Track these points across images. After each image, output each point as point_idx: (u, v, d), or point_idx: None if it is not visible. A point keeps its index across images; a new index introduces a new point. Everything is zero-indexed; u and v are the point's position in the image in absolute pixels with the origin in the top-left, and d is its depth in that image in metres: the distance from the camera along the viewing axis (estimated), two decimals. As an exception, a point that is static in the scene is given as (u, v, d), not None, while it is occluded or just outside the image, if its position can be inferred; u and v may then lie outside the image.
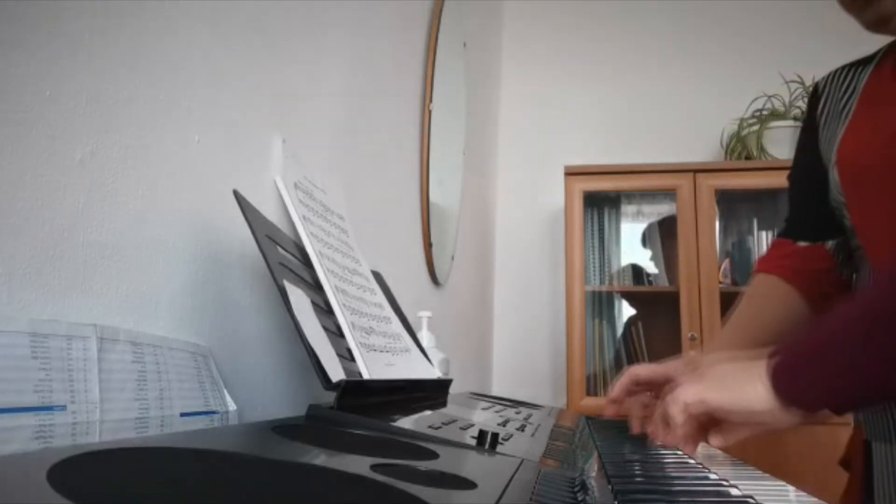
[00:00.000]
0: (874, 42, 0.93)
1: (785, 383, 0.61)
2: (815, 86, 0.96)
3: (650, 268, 2.54)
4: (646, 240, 2.57)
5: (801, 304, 0.93)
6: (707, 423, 0.69)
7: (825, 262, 0.93)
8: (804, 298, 0.92)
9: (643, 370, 0.87)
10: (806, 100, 2.35)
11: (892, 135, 0.79)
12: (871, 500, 0.83)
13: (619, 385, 0.87)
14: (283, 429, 0.47)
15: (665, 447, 0.76)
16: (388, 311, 0.90)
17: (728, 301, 2.20)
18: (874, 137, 0.81)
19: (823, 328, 0.63)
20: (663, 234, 2.50)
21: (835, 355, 0.60)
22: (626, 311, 2.60)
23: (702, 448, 0.75)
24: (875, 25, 0.79)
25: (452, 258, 1.89)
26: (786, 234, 0.99)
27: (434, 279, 1.69)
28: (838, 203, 0.87)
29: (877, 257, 0.84)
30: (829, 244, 0.93)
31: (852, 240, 0.89)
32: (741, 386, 0.63)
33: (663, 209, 2.59)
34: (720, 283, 2.30)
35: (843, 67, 0.93)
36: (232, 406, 0.63)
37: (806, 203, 0.95)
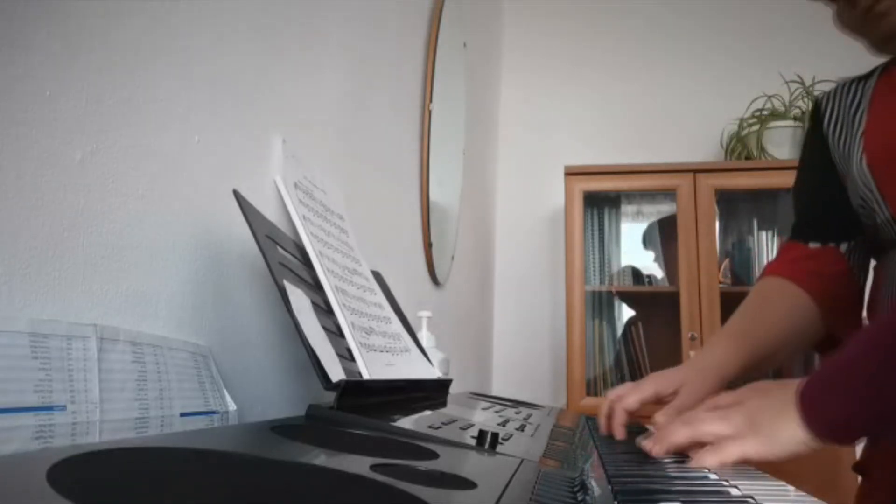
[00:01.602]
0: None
1: (818, 417, 0.59)
2: (817, 103, 0.97)
3: (652, 269, 2.54)
4: (646, 241, 2.57)
5: (811, 307, 0.91)
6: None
7: (838, 265, 0.91)
8: (815, 302, 0.91)
9: (632, 403, 0.84)
10: (806, 99, 2.38)
11: None
12: None
13: (619, 427, 0.84)
14: (283, 429, 0.47)
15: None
16: (388, 311, 0.90)
17: (728, 301, 2.20)
18: None
19: (849, 354, 0.61)
20: (663, 235, 2.50)
21: (861, 381, 0.58)
22: (626, 311, 2.60)
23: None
24: (883, 42, 0.80)
25: (452, 258, 1.89)
26: (795, 236, 0.97)
27: (434, 279, 1.69)
28: (867, 199, 0.85)
29: None
30: (843, 246, 0.91)
31: (886, 234, 0.85)
32: (777, 433, 0.61)
33: (663, 209, 2.59)
34: (720, 283, 2.30)
35: (843, 83, 0.94)
36: (232, 406, 0.63)
37: (816, 204, 0.94)
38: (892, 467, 0.84)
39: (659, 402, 0.85)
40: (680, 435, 0.65)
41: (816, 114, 0.96)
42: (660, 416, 0.78)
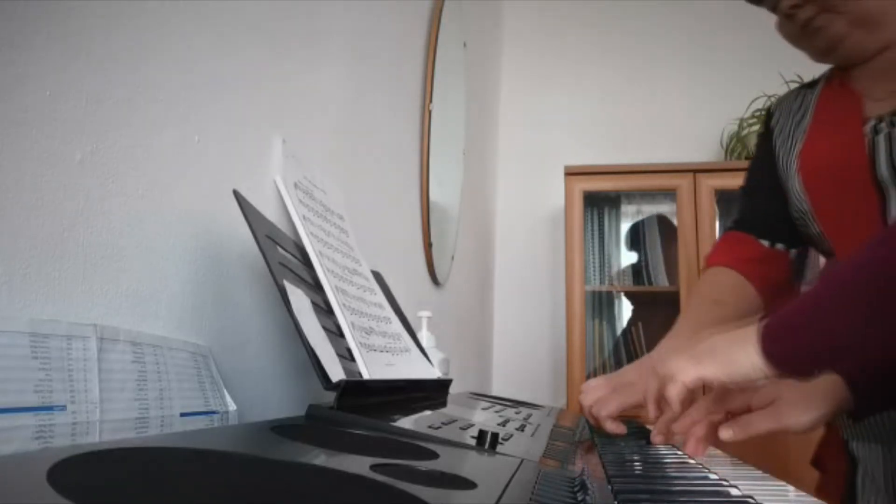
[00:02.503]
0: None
1: (774, 346, 0.62)
2: (769, 110, 1.00)
3: (641, 269, 2.53)
4: (631, 242, 2.56)
5: (761, 309, 0.92)
6: (718, 421, 0.70)
7: (785, 272, 0.94)
8: (766, 308, 0.92)
9: (612, 409, 0.83)
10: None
11: (850, 138, 0.82)
12: (853, 499, 0.84)
13: (612, 425, 0.84)
14: (283, 429, 0.47)
15: (667, 446, 0.76)
16: (388, 311, 0.90)
17: (728, 301, 2.20)
18: (833, 141, 0.85)
19: (812, 291, 0.63)
20: (647, 234, 2.50)
21: (823, 315, 0.60)
22: (626, 311, 2.60)
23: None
24: (824, 53, 0.84)
25: (452, 258, 1.89)
26: (742, 227, 0.97)
27: (434, 279, 1.69)
28: (801, 212, 0.89)
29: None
30: (792, 253, 0.93)
31: (820, 246, 0.89)
32: (733, 354, 0.64)
33: (663, 209, 2.59)
34: (720, 283, 2.29)
35: (792, 91, 0.97)
36: (232, 406, 0.63)
37: (766, 203, 0.95)
38: (842, 460, 0.86)
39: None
40: (652, 384, 0.69)
41: (768, 118, 0.99)
42: (656, 437, 0.78)
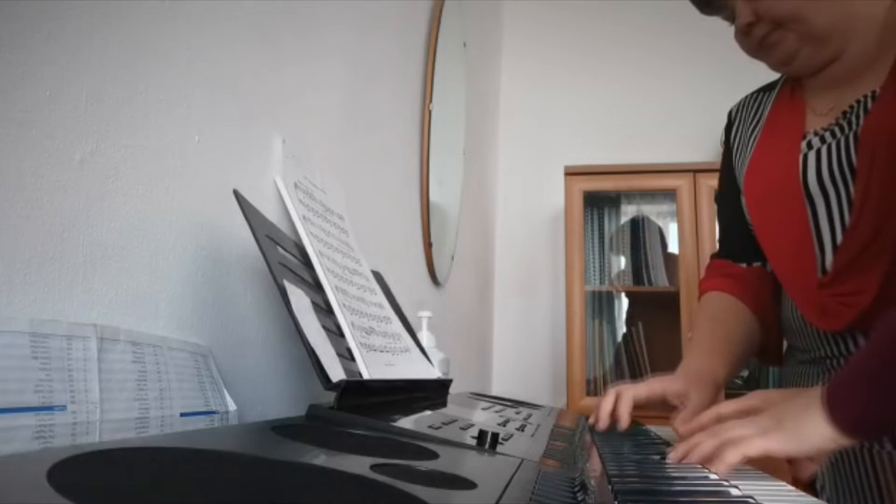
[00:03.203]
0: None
1: (845, 414, 0.60)
2: (729, 114, 1.03)
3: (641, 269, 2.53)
4: (615, 247, 2.56)
5: (754, 321, 0.95)
6: None
7: (766, 283, 0.96)
8: (757, 319, 0.95)
9: (641, 392, 0.85)
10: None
11: (787, 161, 0.85)
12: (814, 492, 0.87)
13: (625, 413, 0.84)
14: (283, 429, 0.47)
15: (667, 446, 0.76)
16: (388, 310, 0.90)
17: (728, 301, 2.20)
18: (774, 158, 0.88)
19: (872, 350, 0.62)
20: (630, 237, 2.50)
21: (886, 376, 0.59)
22: (626, 311, 2.60)
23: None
24: (781, 65, 0.88)
25: (452, 258, 1.89)
26: (723, 254, 1.02)
27: (434, 279, 1.69)
28: (752, 229, 0.93)
29: (785, 281, 0.89)
30: (769, 266, 0.95)
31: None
32: (803, 428, 0.61)
33: (663, 209, 2.59)
34: (720, 283, 2.29)
35: (751, 94, 1.01)
36: (232, 406, 0.63)
37: (733, 226, 0.99)
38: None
39: (664, 405, 0.85)
40: (707, 444, 0.64)
41: (728, 124, 1.03)
42: (680, 424, 0.78)
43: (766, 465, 0.70)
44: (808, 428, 0.61)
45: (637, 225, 2.53)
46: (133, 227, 0.58)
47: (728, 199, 1.00)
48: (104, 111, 0.55)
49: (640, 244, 2.50)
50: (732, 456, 0.61)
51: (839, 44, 0.83)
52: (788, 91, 0.93)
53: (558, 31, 2.89)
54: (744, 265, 0.99)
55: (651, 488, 0.52)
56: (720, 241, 1.05)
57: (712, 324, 0.97)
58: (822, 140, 0.83)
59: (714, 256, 1.05)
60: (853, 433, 0.60)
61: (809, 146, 0.84)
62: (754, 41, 0.85)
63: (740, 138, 0.98)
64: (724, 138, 1.04)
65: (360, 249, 0.91)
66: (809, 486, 0.87)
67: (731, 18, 0.87)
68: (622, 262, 2.55)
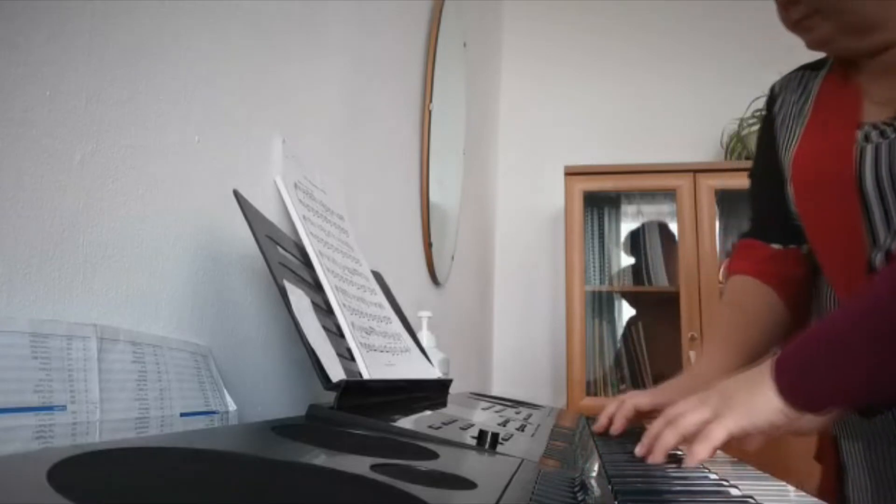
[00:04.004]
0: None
1: (792, 385, 0.60)
2: (772, 89, 0.98)
3: (641, 269, 2.53)
4: (629, 247, 2.56)
5: (781, 306, 0.91)
6: None
7: (801, 268, 0.92)
8: (786, 306, 0.91)
9: (644, 401, 0.85)
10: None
11: (841, 150, 0.80)
12: (843, 490, 0.86)
13: (621, 417, 0.85)
14: (283, 429, 0.47)
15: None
16: (388, 310, 0.90)
17: (728, 301, 2.19)
18: (825, 145, 0.83)
19: (823, 327, 0.63)
20: (645, 239, 2.50)
21: (837, 351, 0.60)
22: (626, 311, 2.60)
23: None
24: (817, 45, 0.83)
25: (452, 258, 1.89)
26: (754, 234, 0.97)
27: (434, 279, 1.69)
28: (796, 215, 0.88)
29: (832, 275, 0.84)
30: (804, 248, 0.92)
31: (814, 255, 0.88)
32: (754, 404, 0.62)
33: (663, 209, 2.59)
34: (720, 283, 2.29)
35: (796, 71, 0.95)
36: (232, 406, 0.63)
37: (771, 206, 0.94)
38: (833, 451, 0.87)
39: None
40: (668, 437, 0.65)
41: (770, 100, 0.97)
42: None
43: (767, 465, 0.70)
44: (759, 402, 0.62)
45: (642, 230, 2.53)
46: (133, 227, 0.58)
47: (764, 176, 0.95)
48: (104, 111, 0.55)
49: (640, 246, 2.50)
50: (703, 452, 0.62)
51: (888, 34, 0.77)
52: (841, 72, 0.87)
53: (558, 30, 2.89)
54: (777, 246, 0.93)
55: (651, 488, 0.52)
56: (751, 219, 0.99)
57: (731, 311, 0.93)
58: (883, 135, 0.78)
59: (743, 236, 0.99)
60: (801, 405, 0.61)
61: (867, 139, 0.79)
62: (790, 20, 0.81)
63: (784, 115, 0.92)
64: (764, 118, 0.98)
65: (360, 249, 0.91)
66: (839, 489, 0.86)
67: None
68: (634, 260, 2.55)
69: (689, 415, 0.65)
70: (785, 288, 0.92)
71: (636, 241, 2.52)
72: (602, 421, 0.87)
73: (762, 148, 0.97)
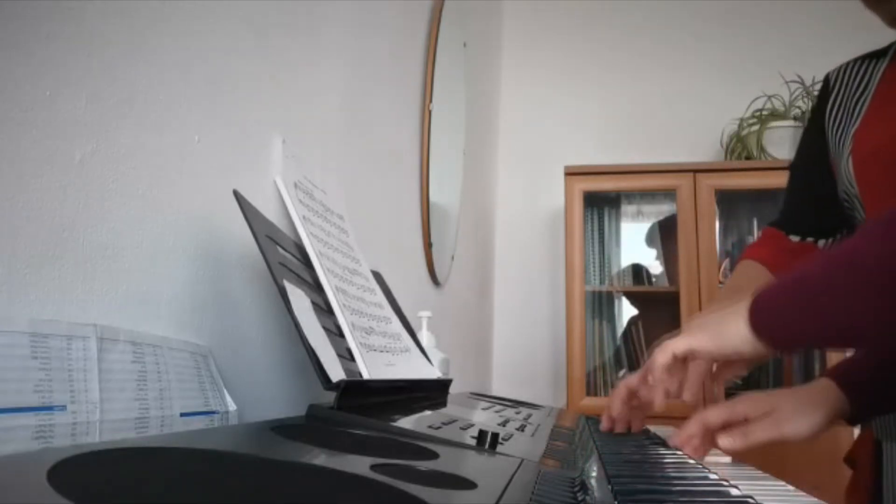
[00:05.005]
0: (874, 41, 0.93)
1: (762, 320, 0.62)
2: (826, 78, 0.97)
3: (654, 267, 2.54)
4: (650, 240, 2.57)
5: None
6: (717, 429, 0.70)
7: None
8: None
9: (633, 379, 0.86)
10: (806, 99, 2.38)
11: None
12: (879, 497, 0.84)
13: (618, 401, 0.86)
14: (283, 429, 0.47)
15: (668, 447, 0.76)
16: (388, 311, 0.90)
17: (728, 301, 2.20)
18: (891, 126, 0.82)
19: (803, 268, 0.64)
20: (664, 235, 2.50)
21: (808, 293, 0.61)
22: (626, 311, 2.60)
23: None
24: (891, 23, 0.82)
25: (452, 258, 1.89)
26: (778, 224, 0.99)
27: (434, 279, 1.69)
28: (850, 195, 0.87)
29: None
30: (821, 243, 0.93)
31: None
32: (723, 328, 0.65)
33: (663, 209, 2.59)
34: (720, 282, 2.30)
35: (855, 60, 0.94)
36: (232, 406, 0.63)
37: (805, 196, 0.96)
38: (872, 454, 0.87)
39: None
40: (658, 357, 0.72)
41: (824, 89, 0.96)
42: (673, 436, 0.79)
43: (767, 465, 0.70)
44: (730, 328, 0.64)
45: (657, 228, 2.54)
46: (133, 228, 0.58)
47: (803, 167, 0.96)
48: (104, 111, 0.55)
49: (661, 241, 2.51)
50: (660, 356, 0.70)
51: None
52: None
53: (559, 30, 2.89)
54: (796, 238, 0.95)
55: (651, 488, 0.52)
56: (782, 210, 1.01)
57: (732, 295, 0.93)
58: None
59: (770, 224, 1.02)
60: (768, 340, 0.63)
61: None
62: None
63: (842, 102, 0.91)
64: (815, 106, 0.98)
65: (360, 249, 0.91)
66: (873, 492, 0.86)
67: None
68: (643, 257, 2.56)
69: (671, 342, 0.70)
70: None
71: (654, 238, 2.53)
72: (604, 422, 0.88)
73: (810, 135, 0.97)
